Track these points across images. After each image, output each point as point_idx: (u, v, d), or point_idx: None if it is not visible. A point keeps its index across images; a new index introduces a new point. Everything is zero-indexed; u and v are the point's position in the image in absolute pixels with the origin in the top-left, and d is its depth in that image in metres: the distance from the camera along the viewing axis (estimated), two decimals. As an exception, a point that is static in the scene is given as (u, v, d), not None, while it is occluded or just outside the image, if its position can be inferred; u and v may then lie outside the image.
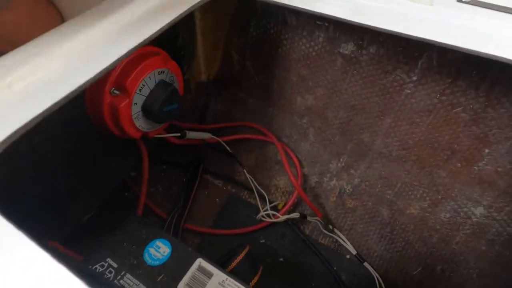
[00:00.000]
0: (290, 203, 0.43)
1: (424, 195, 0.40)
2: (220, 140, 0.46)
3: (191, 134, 0.41)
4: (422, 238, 0.41)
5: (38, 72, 0.19)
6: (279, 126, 0.47)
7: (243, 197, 0.49)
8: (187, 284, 0.21)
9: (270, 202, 0.45)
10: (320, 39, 0.36)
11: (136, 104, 0.29)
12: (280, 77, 0.42)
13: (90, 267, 0.21)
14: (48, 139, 0.26)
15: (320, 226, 0.44)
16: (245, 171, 0.47)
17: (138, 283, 0.21)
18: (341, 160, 0.44)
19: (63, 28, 0.22)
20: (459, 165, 0.36)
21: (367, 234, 0.44)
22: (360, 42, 0.34)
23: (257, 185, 0.46)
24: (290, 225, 0.44)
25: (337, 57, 0.36)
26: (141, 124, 0.31)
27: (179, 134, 0.39)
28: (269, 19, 0.38)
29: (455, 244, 0.39)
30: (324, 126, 0.43)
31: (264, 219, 0.43)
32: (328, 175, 0.46)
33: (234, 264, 0.25)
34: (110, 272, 0.20)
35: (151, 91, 0.30)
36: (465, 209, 0.38)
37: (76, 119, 0.28)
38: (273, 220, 0.43)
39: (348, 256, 0.43)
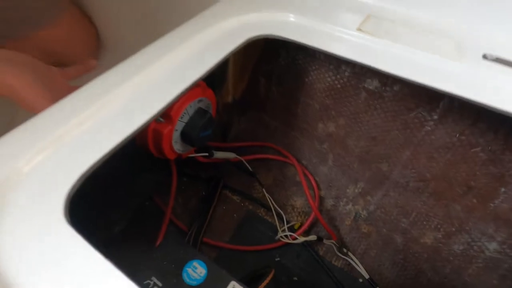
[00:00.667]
0: (307, 224, 0.45)
1: (439, 226, 0.41)
2: (242, 159, 0.48)
3: (218, 154, 0.43)
4: (434, 267, 0.42)
5: (104, 111, 0.22)
6: (299, 149, 0.49)
7: (260, 214, 0.51)
8: (221, 305, 0.23)
9: (287, 222, 0.47)
10: (346, 74, 0.39)
11: (177, 130, 0.31)
12: (304, 104, 0.45)
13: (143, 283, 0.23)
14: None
15: (335, 249, 0.45)
16: (264, 190, 0.49)
17: (180, 302, 0.22)
18: (358, 186, 0.46)
19: (123, 67, 0.25)
20: (475, 200, 0.37)
21: (380, 260, 0.45)
22: (385, 80, 0.36)
23: (274, 204, 0.48)
24: (305, 246, 0.46)
25: (361, 91, 0.39)
26: (178, 147, 0.33)
27: (207, 154, 0.41)
28: (298, 51, 0.41)
29: (467, 276, 0.40)
30: (343, 153, 0.45)
31: (282, 239, 0.45)
32: (345, 199, 0.47)
33: (263, 285, 0.27)
34: (156, 290, 0.22)
35: (191, 118, 0.32)
36: (478, 243, 0.39)
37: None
38: (291, 241, 0.44)
39: (360, 280, 0.44)
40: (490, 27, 0.27)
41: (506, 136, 0.32)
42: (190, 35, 0.28)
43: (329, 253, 0.47)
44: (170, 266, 0.25)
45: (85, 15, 0.59)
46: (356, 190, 0.46)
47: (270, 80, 0.46)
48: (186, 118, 0.32)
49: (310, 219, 0.45)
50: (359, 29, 0.29)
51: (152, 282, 0.23)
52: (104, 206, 0.32)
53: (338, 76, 0.39)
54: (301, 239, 0.44)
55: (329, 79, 0.40)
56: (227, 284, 0.24)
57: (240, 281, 0.26)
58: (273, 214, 0.47)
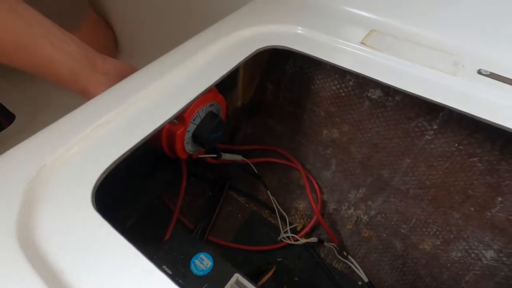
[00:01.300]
0: (309, 226, 0.47)
1: (437, 233, 0.42)
2: (248, 161, 0.50)
3: (226, 156, 0.45)
4: (433, 273, 0.43)
5: (127, 112, 0.24)
6: (304, 154, 0.51)
7: (264, 216, 0.52)
8: (226, 295, 0.25)
9: (290, 224, 0.48)
10: (350, 83, 0.40)
11: (189, 131, 0.34)
12: (309, 110, 0.47)
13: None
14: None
15: (335, 252, 0.47)
16: (269, 192, 0.51)
17: (187, 290, 0.24)
18: (360, 191, 0.47)
19: (144, 73, 0.27)
20: (472, 209, 0.38)
21: (380, 264, 0.46)
22: (387, 90, 0.38)
23: (278, 206, 0.50)
24: (306, 248, 0.47)
25: (364, 100, 0.40)
26: (189, 148, 0.35)
27: (215, 155, 0.43)
28: (305, 60, 0.43)
29: (464, 283, 0.41)
30: (346, 158, 0.46)
31: (284, 240, 0.46)
32: (346, 204, 0.49)
33: (263, 280, 0.28)
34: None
35: (202, 120, 0.34)
36: (476, 251, 0.40)
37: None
38: (293, 242, 0.46)
39: (360, 283, 0.45)
40: (485, 45, 0.29)
41: (502, 147, 0.34)
42: (204, 45, 0.30)
43: (329, 256, 0.48)
44: (179, 257, 0.27)
45: (104, 20, 0.63)
46: (358, 195, 0.47)
47: (277, 87, 0.48)
48: (198, 121, 0.34)
49: (312, 221, 0.47)
50: (362, 43, 0.31)
51: (162, 270, 0.25)
52: (119, 200, 0.35)
53: (343, 85, 0.41)
54: (303, 241, 0.45)
55: (334, 88, 0.42)
56: (231, 276, 0.26)
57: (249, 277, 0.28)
58: (276, 216, 0.49)
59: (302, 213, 0.51)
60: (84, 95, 0.33)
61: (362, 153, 0.44)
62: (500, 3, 0.29)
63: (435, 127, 0.37)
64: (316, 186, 0.50)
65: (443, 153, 0.38)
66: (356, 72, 0.28)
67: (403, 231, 0.44)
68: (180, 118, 0.32)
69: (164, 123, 0.23)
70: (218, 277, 0.26)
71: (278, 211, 0.49)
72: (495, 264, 0.39)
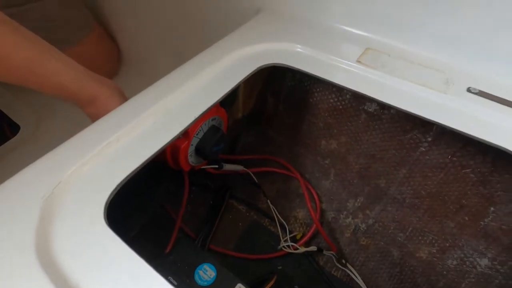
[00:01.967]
0: (308, 235, 0.48)
1: (433, 241, 0.43)
2: (249, 171, 0.51)
3: (227, 166, 0.46)
4: (429, 281, 0.44)
5: (136, 130, 0.25)
6: (303, 163, 0.52)
7: (264, 224, 0.53)
8: (228, 304, 0.26)
9: (290, 232, 0.49)
10: (348, 96, 0.42)
11: (192, 145, 0.35)
12: (308, 122, 0.48)
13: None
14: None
15: (334, 260, 0.48)
16: (268, 201, 0.52)
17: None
18: (358, 200, 0.48)
19: (150, 91, 0.29)
20: (466, 218, 0.40)
21: (378, 272, 0.47)
22: (383, 103, 0.39)
23: (278, 215, 0.51)
24: (306, 256, 0.48)
25: (361, 113, 0.42)
26: (192, 160, 0.36)
27: (217, 166, 0.45)
28: (303, 75, 0.44)
29: (460, 290, 0.42)
30: (344, 168, 0.48)
31: (284, 249, 0.47)
32: (345, 212, 0.50)
33: (265, 290, 0.29)
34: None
35: (205, 134, 0.36)
36: (470, 259, 0.41)
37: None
38: (293, 251, 0.47)
39: (358, 291, 0.46)
40: (474, 63, 0.30)
41: (493, 159, 0.35)
42: (207, 64, 0.32)
43: (329, 264, 0.49)
44: (183, 268, 0.28)
45: (109, 34, 0.65)
46: (356, 204, 0.49)
47: (277, 99, 0.50)
48: (200, 135, 0.35)
49: (312, 230, 0.48)
50: (358, 61, 0.32)
51: (168, 281, 0.26)
52: (125, 211, 0.36)
53: (340, 98, 0.43)
54: (302, 249, 0.46)
55: (332, 101, 0.44)
56: (234, 286, 0.27)
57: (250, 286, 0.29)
58: (276, 224, 0.50)
59: (302, 222, 0.52)
60: (92, 104, 0.34)
61: (359, 164, 0.46)
62: (488, 23, 0.30)
63: (429, 139, 0.38)
64: (315, 195, 0.51)
65: (438, 164, 0.39)
66: (352, 89, 0.29)
67: (400, 239, 0.46)
68: (184, 132, 0.34)
69: (170, 141, 0.25)
70: (221, 287, 0.27)
71: (278, 220, 0.50)
72: (490, 272, 0.40)
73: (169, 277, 0.27)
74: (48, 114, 0.63)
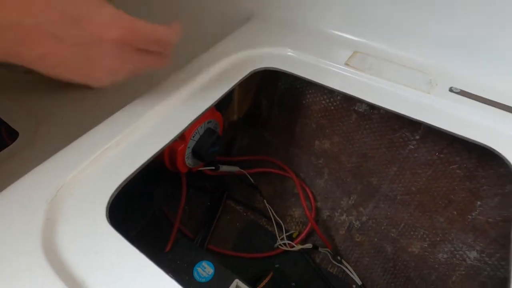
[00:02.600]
0: (304, 233, 0.49)
1: (424, 236, 0.45)
2: (246, 172, 0.52)
3: (223, 168, 0.47)
4: (422, 275, 0.45)
5: (135, 134, 0.26)
6: (298, 164, 0.53)
7: (261, 224, 0.55)
8: (226, 300, 0.27)
9: (286, 231, 0.51)
10: (339, 97, 0.43)
11: (189, 147, 0.36)
12: (302, 123, 0.49)
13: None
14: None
15: (330, 257, 0.49)
16: (265, 201, 0.53)
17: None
18: (351, 198, 0.50)
19: (148, 97, 0.30)
20: (455, 212, 0.41)
21: (372, 267, 0.48)
22: (372, 105, 0.41)
23: (274, 214, 0.52)
24: (302, 254, 0.50)
25: (352, 113, 0.43)
26: (189, 162, 0.38)
27: (213, 168, 0.46)
28: (296, 77, 0.46)
29: (451, 283, 0.43)
30: (337, 167, 0.49)
31: (281, 247, 0.49)
32: (339, 210, 0.51)
33: (261, 285, 0.30)
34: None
35: (201, 137, 0.37)
36: (460, 252, 0.42)
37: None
38: (289, 248, 0.48)
39: (354, 286, 0.48)
40: (456, 65, 0.32)
41: (478, 155, 0.36)
42: (202, 69, 0.33)
43: (324, 261, 0.50)
44: (182, 266, 0.29)
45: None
46: (350, 202, 0.50)
47: (271, 102, 0.51)
48: (197, 137, 0.37)
49: (307, 228, 0.49)
50: (347, 64, 0.34)
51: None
52: (124, 213, 0.37)
53: (332, 100, 0.44)
54: (298, 247, 0.47)
55: (323, 102, 0.45)
56: (232, 281, 0.28)
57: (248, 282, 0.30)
58: (273, 224, 0.51)
59: (297, 220, 0.54)
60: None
61: (352, 162, 0.47)
62: (467, 25, 0.32)
63: (417, 137, 0.40)
64: (310, 194, 0.52)
65: (426, 161, 0.40)
66: (341, 91, 0.31)
67: (393, 235, 0.47)
68: (181, 135, 0.35)
69: (167, 143, 0.26)
70: (219, 283, 0.28)
71: (274, 219, 0.51)
72: (478, 264, 0.41)
73: (169, 275, 0.28)
74: (47, 120, 0.64)
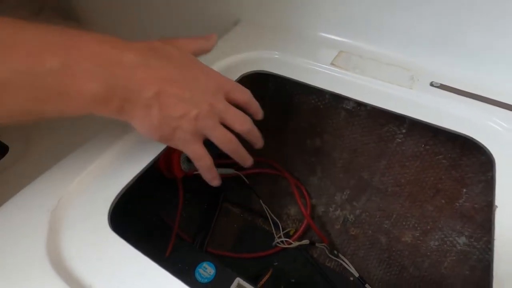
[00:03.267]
0: (300, 230, 0.50)
1: (416, 225, 0.46)
2: (240, 174, 0.53)
3: (219, 170, 0.48)
4: (415, 263, 0.47)
5: (132, 141, 0.27)
6: (291, 163, 0.54)
7: (258, 224, 0.56)
8: (228, 298, 0.28)
9: (283, 229, 0.52)
10: (327, 96, 0.45)
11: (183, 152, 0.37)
12: (293, 123, 0.51)
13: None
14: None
15: (326, 251, 0.50)
16: (261, 201, 0.54)
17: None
18: (345, 193, 0.51)
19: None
20: (443, 201, 0.43)
21: (368, 259, 0.50)
22: (358, 102, 0.42)
23: (271, 213, 0.53)
24: (300, 250, 0.51)
25: (341, 111, 0.45)
26: (185, 166, 0.38)
27: (209, 171, 0.46)
28: (284, 79, 0.47)
29: (444, 269, 0.45)
30: (330, 164, 0.51)
31: (278, 245, 0.50)
32: (334, 206, 0.53)
33: (262, 282, 0.31)
34: None
35: (195, 141, 0.38)
36: (450, 238, 0.44)
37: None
38: (286, 246, 0.49)
39: (351, 278, 0.49)
40: (435, 60, 0.34)
41: (461, 145, 0.38)
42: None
43: (322, 256, 0.51)
44: (184, 268, 0.29)
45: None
46: (343, 197, 0.52)
47: (262, 104, 0.52)
48: (192, 142, 0.37)
49: (304, 225, 0.50)
50: (332, 64, 0.35)
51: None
52: (123, 222, 0.37)
53: (321, 98, 0.46)
54: (296, 244, 0.49)
55: (312, 101, 0.46)
56: (233, 280, 0.29)
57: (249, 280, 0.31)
58: (270, 223, 0.52)
59: (294, 218, 0.55)
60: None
61: (343, 159, 0.49)
62: (445, 22, 0.34)
63: (403, 131, 0.41)
64: (305, 192, 0.53)
65: (413, 153, 0.42)
66: (328, 90, 0.32)
67: (386, 226, 0.49)
68: (175, 140, 0.36)
69: (164, 149, 0.27)
70: (221, 282, 0.29)
71: (271, 218, 0.53)
72: (468, 249, 0.43)
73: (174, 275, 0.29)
74: (37, 133, 0.63)
